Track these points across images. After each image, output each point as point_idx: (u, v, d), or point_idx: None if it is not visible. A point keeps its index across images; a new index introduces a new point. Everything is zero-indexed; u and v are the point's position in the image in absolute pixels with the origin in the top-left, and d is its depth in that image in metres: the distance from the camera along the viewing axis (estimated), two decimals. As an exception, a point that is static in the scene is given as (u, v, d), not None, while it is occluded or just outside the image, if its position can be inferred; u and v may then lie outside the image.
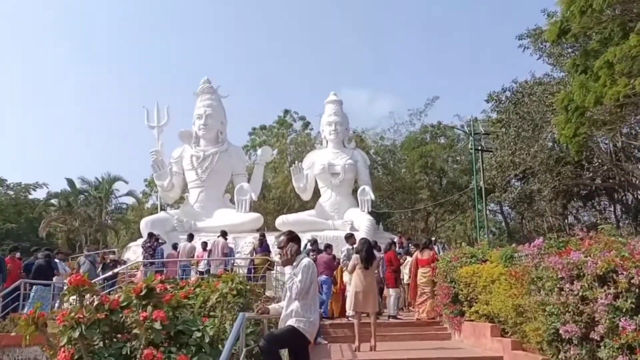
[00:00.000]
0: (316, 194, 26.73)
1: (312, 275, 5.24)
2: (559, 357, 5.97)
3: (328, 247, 14.13)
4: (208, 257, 16.23)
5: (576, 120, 15.27)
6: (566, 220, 30.14)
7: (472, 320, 10.11)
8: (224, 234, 16.56)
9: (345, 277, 12.19)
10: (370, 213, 24.64)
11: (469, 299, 10.29)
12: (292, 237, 5.40)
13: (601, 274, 5.13)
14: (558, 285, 5.77)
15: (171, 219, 23.89)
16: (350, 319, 10.21)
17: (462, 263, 10.89)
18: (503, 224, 34.82)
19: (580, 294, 5.41)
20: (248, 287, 6.00)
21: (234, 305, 5.38)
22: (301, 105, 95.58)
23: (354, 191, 26.06)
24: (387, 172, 34.98)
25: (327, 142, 26.64)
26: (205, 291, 5.66)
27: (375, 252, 11.49)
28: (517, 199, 27.57)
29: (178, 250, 16.12)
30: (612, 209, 29.36)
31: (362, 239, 10.41)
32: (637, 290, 4.87)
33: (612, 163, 23.42)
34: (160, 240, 16.20)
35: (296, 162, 26.62)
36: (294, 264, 5.27)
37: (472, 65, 79.08)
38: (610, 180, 26.10)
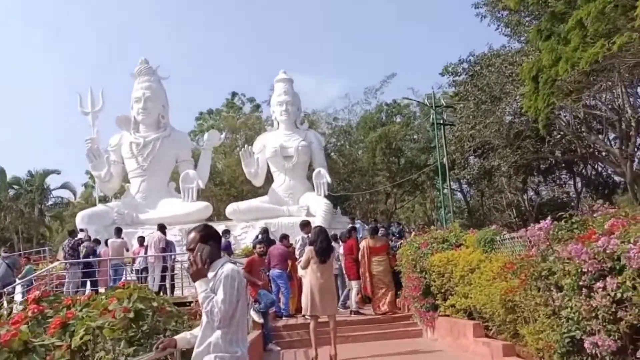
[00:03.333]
0: (269, 179, 24.94)
1: (238, 289, 3.51)
2: (578, 374, 4.48)
3: (284, 237, 12.38)
4: (145, 253, 14.25)
5: (548, 89, 13.89)
6: (525, 196, 29.21)
7: (447, 316, 8.60)
8: (161, 228, 14.58)
9: (300, 271, 10.46)
10: (327, 197, 23.03)
11: (443, 291, 8.79)
12: (207, 235, 3.64)
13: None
14: (581, 282, 4.20)
15: (110, 211, 21.66)
16: (307, 316, 8.55)
17: (433, 249, 9.36)
18: (462, 202, 33.80)
19: (618, 295, 3.84)
20: (156, 304, 4.20)
21: (122, 339, 3.62)
22: (250, 89, 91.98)
23: (309, 175, 24.41)
24: (343, 154, 33.35)
25: (278, 123, 24.78)
26: (92, 314, 3.88)
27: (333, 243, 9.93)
28: (477, 176, 26.41)
29: (104, 249, 14.09)
30: (572, 182, 28.59)
31: (317, 227, 8.70)
32: None
33: (574, 135, 22.40)
34: (83, 238, 14.11)
35: (246, 145, 24.71)
36: (211, 274, 3.54)
37: (427, 41, 77.34)
38: (571, 153, 25.22)
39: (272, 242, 12.61)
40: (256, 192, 26.73)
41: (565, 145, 24.44)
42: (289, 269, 11.83)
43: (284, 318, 11.57)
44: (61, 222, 34.71)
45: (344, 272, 11.76)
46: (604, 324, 4.03)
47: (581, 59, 12.40)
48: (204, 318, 3.52)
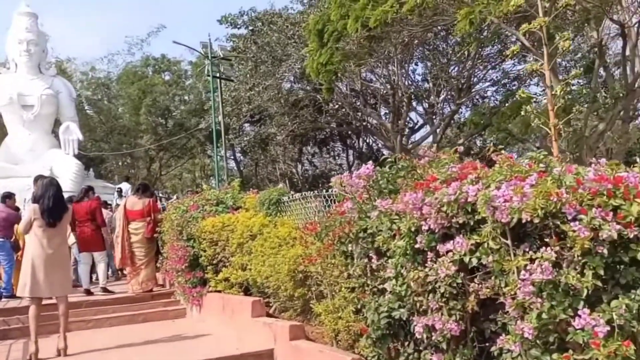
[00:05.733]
0: (3, 132, 21.04)
1: None
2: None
3: (8, 197, 9.78)
4: None
5: (333, 43, 13.38)
6: (300, 167, 29.44)
7: (219, 292, 7.30)
8: None
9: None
10: (78, 157, 20.17)
11: (215, 262, 7.46)
12: None
13: (529, 220, 2.62)
14: (417, 245, 3.17)
15: None
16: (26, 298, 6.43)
17: (204, 213, 7.96)
18: (235, 171, 32.89)
19: (474, 261, 2.88)
20: None
21: None
22: None
23: (55, 130, 21.15)
24: (100, 110, 29.89)
25: (16, 65, 20.92)
26: None
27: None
28: (252, 143, 25.70)
29: None
30: (345, 155, 29.54)
31: (46, 178, 6.58)
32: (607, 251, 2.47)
33: (351, 107, 22.84)
34: None
35: (-29, 89, 20.41)
36: None
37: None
38: (346, 125, 25.91)
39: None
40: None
41: (341, 117, 24.93)
42: (13, 238, 9.45)
43: (3, 299, 9.18)
44: None
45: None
46: (445, 300, 3.05)
47: (370, 17, 12.05)
48: None
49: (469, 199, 2.85)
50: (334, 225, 4.03)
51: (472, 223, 2.93)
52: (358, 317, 4.21)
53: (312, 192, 6.27)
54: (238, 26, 22.99)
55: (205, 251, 7.47)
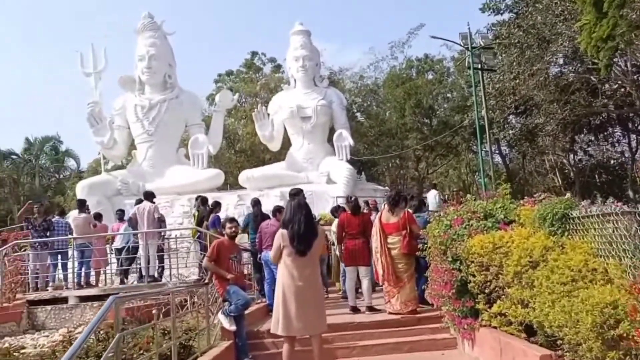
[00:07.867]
0: (287, 142, 22.13)
1: None
2: None
3: (278, 211, 9.27)
4: (133, 228, 11.48)
5: (614, 13, 10.51)
6: (574, 157, 25.49)
7: (494, 327, 5.65)
8: (149, 196, 11.78)
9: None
10: (351, 161, 20.15)
11: (486, 291, 5.81)
12: None
13: None
14: None
15: (114, 181, 19.33)
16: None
17: (470, 229, 6.35)
18: (501, 165, 30.10)
19: None
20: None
21: None
22: (269, 49, 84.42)
23: (330, 137, 21.48)
24: (369, 115, 29.99)
25: (295, 81, 21.81)
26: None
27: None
28: (519, 136, 22.91)
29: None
30: (626, 141, 24.70)
31: (294, 200, 5.67)
32: None
33: (634, 85, 18.68)
34: (50, 218, 11.39)
35: (259, 106, 21.86)
36: None
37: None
38: (625, 108, 21.51)
39: (266, 217, 9.75)
40: (278, 160, 23.97)
41: (620, 98, 20.74)
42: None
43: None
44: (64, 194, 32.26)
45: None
46: None
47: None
48: None
49: None
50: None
51: None
52: None
53: (616, 208, 4.25)
54: (501, 11, 20.50)
55: (474, 276, 5.87)
